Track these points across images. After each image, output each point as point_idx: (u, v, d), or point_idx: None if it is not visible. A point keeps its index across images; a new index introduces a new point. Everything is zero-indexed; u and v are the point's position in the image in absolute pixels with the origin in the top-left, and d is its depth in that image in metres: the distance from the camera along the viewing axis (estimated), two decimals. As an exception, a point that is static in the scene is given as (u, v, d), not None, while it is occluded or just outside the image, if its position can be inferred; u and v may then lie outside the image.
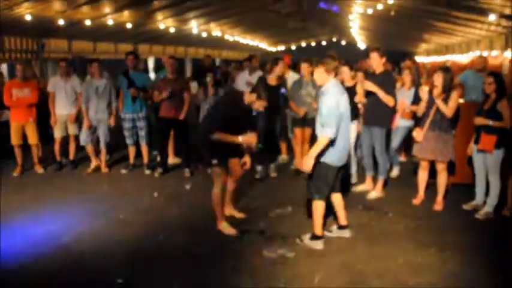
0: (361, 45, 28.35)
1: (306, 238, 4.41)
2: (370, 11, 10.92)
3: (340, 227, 4.64)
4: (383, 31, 19.37)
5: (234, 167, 4.88)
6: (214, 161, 4.61)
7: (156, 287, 3.66)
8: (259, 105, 4.59)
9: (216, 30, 16.63)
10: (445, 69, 5.53)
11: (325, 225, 4.55)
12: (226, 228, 4.73)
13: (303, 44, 31.60)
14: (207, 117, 4.82)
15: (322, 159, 4.25)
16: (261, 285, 3.67)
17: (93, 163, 7.14)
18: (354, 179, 6.38)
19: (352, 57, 7.74)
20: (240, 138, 4.50)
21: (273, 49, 30.22)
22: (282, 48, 31.21)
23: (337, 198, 4.58)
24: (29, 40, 10.07)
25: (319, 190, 4.31)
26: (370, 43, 24.21)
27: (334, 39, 31.14)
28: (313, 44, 31.88)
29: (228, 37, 18.86)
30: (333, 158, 4.25)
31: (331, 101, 4.10)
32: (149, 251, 4.34)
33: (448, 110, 5.18)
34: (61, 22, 9.04)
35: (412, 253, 4.24)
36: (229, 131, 4.47)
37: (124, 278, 3.79)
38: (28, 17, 8.38)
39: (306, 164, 4.17)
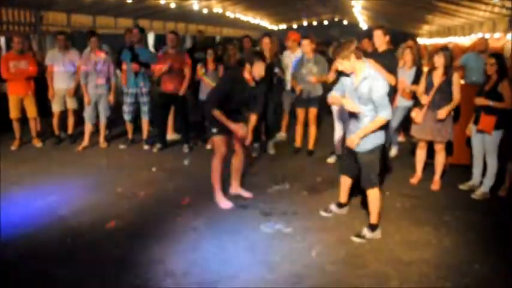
0: (363, 25, 28.08)
1: (367, 232, 4.10)
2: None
3: (340, 204, 4.62)
4: (385, 11, 19.16)
5: (235, 140, 4.90)
6: (214, 130, 4.65)
7: (154, 260, 3.68)
8: (259, 71, 4.55)
9: (217, 7, 16.42)
10: (445, 49, 5.50)
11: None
12: (222, 201, 4.76)
13: (305, 23, 31.28)
14: (212, 91, 4.85)
15: (374, 144, 4.03)
16: (258, 259, 3.71)
17: (86, 142, 7.03)
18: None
19: (354, 37, 7.66)
20: (232, 126, 4.56)
21: (274, 27, 29.90)
22: (283, 26, 30.89)
23: (348, 182, 4.51)
24: (27, 12, 9.91)
25: (374, 177, 4.10)
26: (373, 23, 23.94)
27: (336, 19, 30.82)
28: (314, 23, 31.55)
29: (229, 14, 18.62)
30: (381, 137, 4.09)
31: (382, 84, 3.89)
32: (147, 224, 4.36)
33: (456, 93, 5.19)
34: (60, -6, 8.92)
35: (408, 230, 4.29)
36: (226, 110, 4.53)
37: (122, 251, 3.83)
38: (28, -12, 8.25)
39: (353, 141, 4.03)
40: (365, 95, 3.91)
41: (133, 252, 3.81)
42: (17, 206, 4.70)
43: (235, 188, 5.11)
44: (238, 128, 4.62)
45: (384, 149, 4.29)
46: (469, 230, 4.35)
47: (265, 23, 27.16)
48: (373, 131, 3.98)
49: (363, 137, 4.01)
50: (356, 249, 3.91)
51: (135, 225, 4.35)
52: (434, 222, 4.45)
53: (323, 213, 4.58)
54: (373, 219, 4.15)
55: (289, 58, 7.00)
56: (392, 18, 20.24)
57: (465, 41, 14.94)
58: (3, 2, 9.12)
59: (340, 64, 3.98)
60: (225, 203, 4.76)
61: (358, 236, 4.09)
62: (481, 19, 13.22)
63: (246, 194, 5.07)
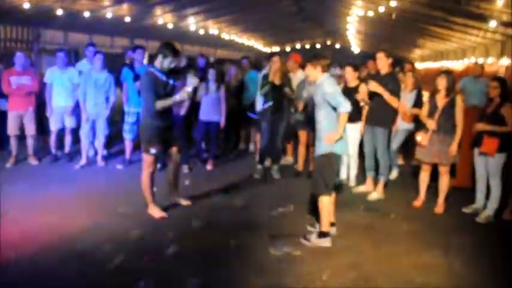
0: (356, 49, 28.47)
1: (313, 237, 4.35)
2: (371, 14, 10.92)
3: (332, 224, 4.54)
4: (378, 35, 19.44)
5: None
6: (152, 150, 4.85)
7: (160, 284, 3.56)
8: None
9: (213, 28, 16.55)
10: (447, 72, 5.56)
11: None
12: (156, 211, 4.89)
13: (298, 46, 31.60)
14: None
15: (326, 150, 4.29)
16: (269, 282, 3.61)
17: (83, 160, 6.92)
18: (352, 182, 6.34)
19: (345, 60, 7.76)
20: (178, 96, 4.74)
21: (267, 49, 30.18)
22: (276, 49, 31.19)
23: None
24: (24, 29, 9.88)
25: (324, 184, 4.31)
26: (365, 47, 24.31)
27: (328, 42, 31.20)
28: (307, 46, 31.89)
29: (225, 35, 18.79)
30: (337, 146, 4.30)
31: (331, 85, 4.31)
32: (152, 245, 4.25)
33: (460, 117, 5.24)
34: (59, 12, 8.87)
35: (417, 254, 4.23)
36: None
37: (127, 275, 3.70)
38: (26, 5, 8.20)
39: (330, 139, 4.24)
40: (319, 99, 4.34)
41: (139, 273, 3.69)
42: (16, 226, 4.54)
43: (174, 197, 5.26)
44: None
45: (336, 161, 4.41)
46: (477, 253, 4.31)
47: (259, 45, 27.43)
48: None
49: (326, 140, 4.27)
50: (367, 272, 3.83)
51: (140, 247, 4.22)
52: (442, 246, 4.40)
53: (310, 229, 4.59)
54: (321, 226, 4.36)
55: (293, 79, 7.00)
56: (384, 42, 20.56)
57: (457, 65, 15.17)
58: (2, 19, 9.08)
59: (307, 69, 4.49)
60: (159, 213, 4.88)
61: (305, 237, 4.35)
62: (474, 44, 13.46)
63: (185, 202, 5.24)
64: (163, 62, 4.74)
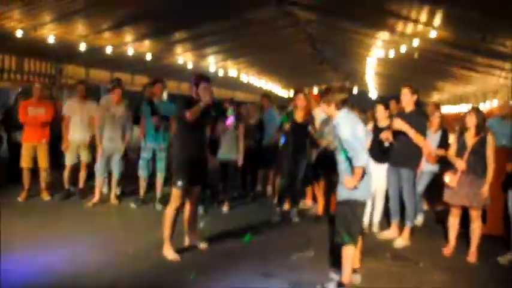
0: (373, 93, 28.42)
1: (331, 286, 4.01)
2: (392, 54, 10.81)
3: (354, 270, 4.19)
4: (398, 77, 19.36)
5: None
6: (179, 183, 4.64)
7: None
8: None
9: (232, 69, 16.67)
10: (477, 109, 5.30)
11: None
12: (170, 253, 4.64)
13: (315, 90, 31.79)
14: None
15: (348, 197, 3.95)
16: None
17: (96, 197, 6.74)
18: (375, 227, 5.98)
19: (363, 105, 7.58)
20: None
21: (285, 93, 30.39)
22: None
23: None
24: (48, 64, 10.03)
25: (349, 233, 3.95)
26: (383, 90, 24.24)
27: (346, 86, 31.31)
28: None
29: (243, 77, 18.95)
30: (361, 192, 3.95)
31: (346, 128, 3.91)
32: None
33: (491, 156, 4.94)
34: (82, 47, 8.97)
35: (452, 308, 3.85)
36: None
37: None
38: (51, 39, 8.30)
39: (349, 183, 3.91)
40: (337, 141, 4.03)
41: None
42: (17, 263, 4.30)
43: (191, 239, 5.01)
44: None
45: (359, 209, 4.05)
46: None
47: (277, 88, 27.63)
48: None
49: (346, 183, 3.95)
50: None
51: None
52: (479, 299, 4.01)
53: (333, 276, 4.24)
54: (342, 277, 4.02)
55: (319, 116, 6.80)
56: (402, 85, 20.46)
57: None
58: (26, 53, 9.25)
59: (322, 107, 4.18)
60: (172, 255, 4.62)
61: (323, 286, 4.03)
62: (496, 86, 13.21)
63: (203, 245, 4.97)
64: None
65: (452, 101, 19.98)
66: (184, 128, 4.67)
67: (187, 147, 4.67)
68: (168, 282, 4.15)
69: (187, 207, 4.94)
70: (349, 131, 3.87)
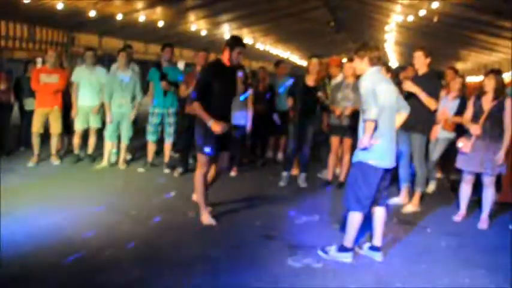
0: (394, 62, 27.70)
1: (332, 249, 3.88)
2: (410, 19, 10.37)
3: (372, 248, 3.99)
4: (417, 48, 18.72)
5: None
6: (206, 149, 4.54)
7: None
8: None
9: (248, 37, 16.41)
10: (497, 71, 5.03)
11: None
12: (207, 218, 4.58)
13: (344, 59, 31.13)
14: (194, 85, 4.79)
15: (362, 159, 3.76)
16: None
17: (105, 161, 6.78)
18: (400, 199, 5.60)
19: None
20: (211, 122, 4.39)
21: (303, 63, 29.90)
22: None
23: (379, 213, 3.96)
24: (60, 32, 10.01)
25: (358, 199, 3.76)
26: (403, 60, 23.58)
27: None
28: (344, 60, 31.42)
29: (259, 46, 18.62)
30: (375, 155, 3.72)
31: (365, 84, 3.72)
32: (161, 251, 3.95)
33: (509, 121, 4.69)
34: (92, 14, 8.88)
35: (458, 273, 3.72)
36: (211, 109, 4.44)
37: (130, 279, 3.41)
38: (60, 6, 8.23)
39: (362, 143, 3.73)
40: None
41: (142, 282, 3.38)
42: (22, 224, 4.34)
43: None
44: (216, 126, 4.39)
45: (371, 174, 3.78)
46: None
47: (295, 58, 27.15)
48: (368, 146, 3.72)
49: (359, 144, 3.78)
50: (399, 292, 3.37)
51: (147, 252, 3.93)
52: (488, 265, 3.87)
53: (356, 249, 4.01)
54: (345, 240, 3.87)
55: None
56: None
57: (505, 78, 14.29)
58: (38, 21, 9.22)
59: (355, 62, 3.94)
60: (209, 220, 4.55)
61: (323, 249, 3.90)
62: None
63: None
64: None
65: (477, 71, 19.28)
66: (214, 95, 4.49)
67: (216, 113, 4.49)
68: (167, 243, 4.13)
69: (211, 172, 4.85)
70: (369, 87, 3.69)
